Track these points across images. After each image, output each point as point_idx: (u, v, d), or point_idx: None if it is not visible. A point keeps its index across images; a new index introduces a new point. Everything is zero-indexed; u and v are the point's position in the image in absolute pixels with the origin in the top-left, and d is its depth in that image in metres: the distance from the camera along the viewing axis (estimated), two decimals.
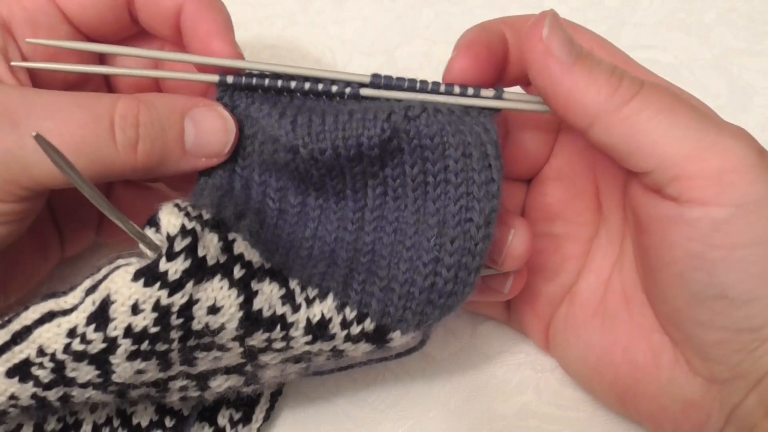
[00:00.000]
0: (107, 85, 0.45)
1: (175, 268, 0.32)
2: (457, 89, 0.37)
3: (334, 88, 0.37)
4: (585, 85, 0.34)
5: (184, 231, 0.32)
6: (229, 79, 0.37)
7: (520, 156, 0.42)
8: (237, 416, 0.42)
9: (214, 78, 0.37)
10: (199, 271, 0.32)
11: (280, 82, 0.37)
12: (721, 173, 0.33)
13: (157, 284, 0.31)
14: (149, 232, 0.32)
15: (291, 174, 0.37)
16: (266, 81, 0.37)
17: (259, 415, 0.42)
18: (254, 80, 0.37)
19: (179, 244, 0.32)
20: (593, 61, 0.35)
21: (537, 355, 0.45)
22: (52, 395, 0.33)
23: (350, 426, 0.44)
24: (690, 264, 0.34)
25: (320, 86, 0.37)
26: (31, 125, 0.33)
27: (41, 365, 0.32)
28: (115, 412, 0.40)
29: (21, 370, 0.33)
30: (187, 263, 0.32)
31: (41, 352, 0.32)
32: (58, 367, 0.32)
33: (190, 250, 0.32)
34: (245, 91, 0.37)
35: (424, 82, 0.37)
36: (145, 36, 0.43)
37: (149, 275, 0.31)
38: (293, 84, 0.37)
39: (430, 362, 0.45)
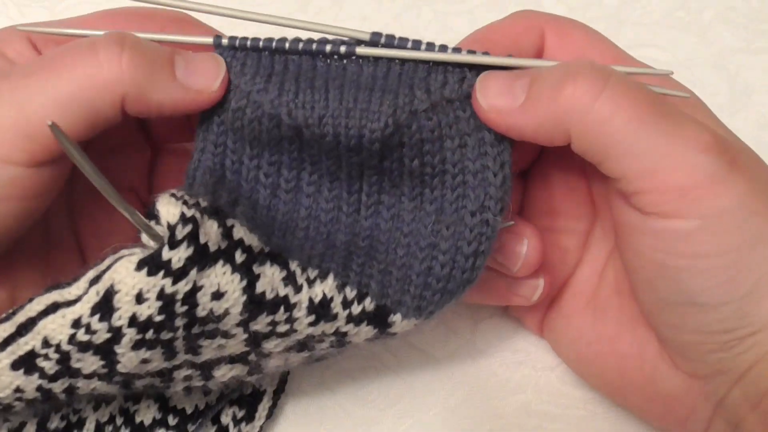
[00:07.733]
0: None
1: (178, 256, 0.32)
2: (464, 52, 0.35)
3: (329, 48, 0.35)
4: (541, 113, 0.34)
5: (184, 219, 0.32)
6: (224, 41, 0.36)
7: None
8: (240, 414, 0.42)
9: (209, 40, 0.36)
10: (202, 258, 0.32)
11: (274, 43, 0.36)
12: (683, 189, 0.32)
13: (161, 273, 0.31)
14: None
15: (288, 146, 0.37)
16: (260, 43, 0.36)
17: (262, 413, 0.42)
18: (249, 42, 0.36)
19: (181, 232, 0.32)
20: (539, 86, 0.34)
21: (537, 354, 0.46)
22: (58, 387, 0.33)
23: (351, 424, 0.44)
24: (655, 272, 0.34)
25: (315, 46, 0.35)
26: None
27: (46, 356, 0.32)
28: (118, 411, 0.40)
29: (26, 362, 0.33)
30: (190, 251, 0.32)
31: (46, 343, 0.32)
32: (63, 358, 0.32)
33: (192, 238, 0.32)
34: (241, 51, 0.36)
35: (430, 44, 0.36)
36: None
37: (152, 264, 0.31)
38: (287, 45, 0.35)
39: (431, 361, 0.46)
